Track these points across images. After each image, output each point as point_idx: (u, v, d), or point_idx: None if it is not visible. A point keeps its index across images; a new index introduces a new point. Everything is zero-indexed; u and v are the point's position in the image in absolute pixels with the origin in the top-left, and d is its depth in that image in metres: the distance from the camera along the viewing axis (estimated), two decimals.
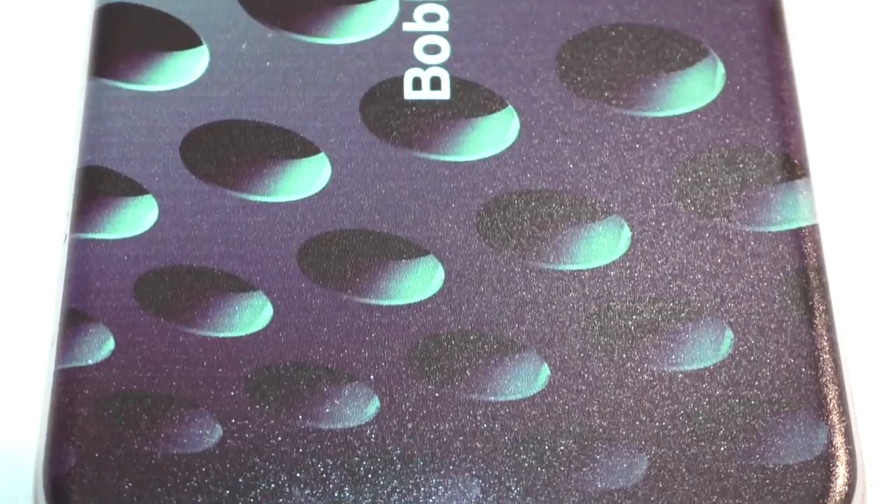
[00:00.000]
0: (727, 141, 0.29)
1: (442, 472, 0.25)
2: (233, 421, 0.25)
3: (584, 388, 0.26)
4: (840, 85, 0.32)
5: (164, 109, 0.28)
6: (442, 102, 0.29)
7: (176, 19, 0.29)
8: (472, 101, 0.29)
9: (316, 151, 0.28)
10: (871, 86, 0.32)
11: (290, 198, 0.28)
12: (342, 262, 0.27)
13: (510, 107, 0.29)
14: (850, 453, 0.25)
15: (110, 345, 0.26)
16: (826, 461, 0.25)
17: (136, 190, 0.28)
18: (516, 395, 0.26)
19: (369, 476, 0.25)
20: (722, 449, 0.25)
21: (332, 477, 0.25)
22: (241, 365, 0.26)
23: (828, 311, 0.27)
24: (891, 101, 0.31)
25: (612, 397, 0.26)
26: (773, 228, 0.28)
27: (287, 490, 0.25)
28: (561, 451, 0.25)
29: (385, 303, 0.27)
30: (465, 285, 0.27)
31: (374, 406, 0.26)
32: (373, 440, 0.25)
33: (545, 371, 0.26)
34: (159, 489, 0.25)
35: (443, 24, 0.30)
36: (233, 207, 0.28)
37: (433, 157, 0.28)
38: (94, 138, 0.28)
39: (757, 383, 0.26)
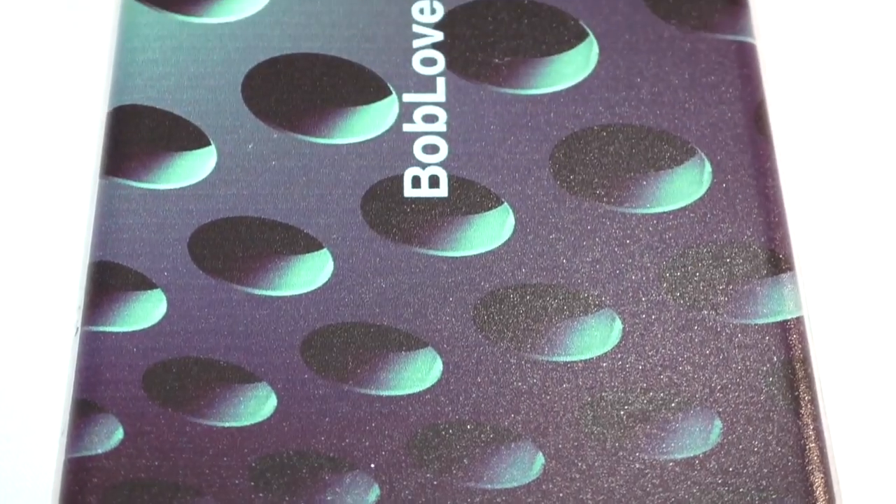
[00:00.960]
0: (714, 237, 0.29)
1: None
2: None
3: (577, 476, 0.27)
4: (825, 180, 0.32)
5: (174, 207, 0.29)
6: (440, 200, 0.30)
7: (185, 120, 0.30)
8: (469, 198, 0.30)
9: (319, 247, 0.29)
10: (853, 181, 0.33)
11: (293, 292, 0.29)
12: (344, 353, 0.28)
13: (506, 204, 0.30)
14: None
15: (119, 434, 0.27)
16: None
17: (146, 284, 0.29)
18: (512, 484, 0.27)
19: None
20: None
21: None
22: (246, 454, 0.27)
23: (813, 401, 0.28)
24: (871, 197, 0.32)
25: (606, 485, 0.27)
26: (760, 321, 0.29)
27: None
28: None
29: (385, 393, 0.28)
30: (463, 376, 0.28)
31: (374, 494, 0.26)
32: None
33: (540, 460, 0.27)
34: None
35: (441, 125, 0.31)
36: (239, 301, 0.28)
37: (432, 252, 0.29)
38: (106, 234, 0.29)
39: (745, 471, 0.27)
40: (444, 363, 0.28)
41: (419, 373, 0.28)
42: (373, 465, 0.27)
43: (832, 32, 0.34)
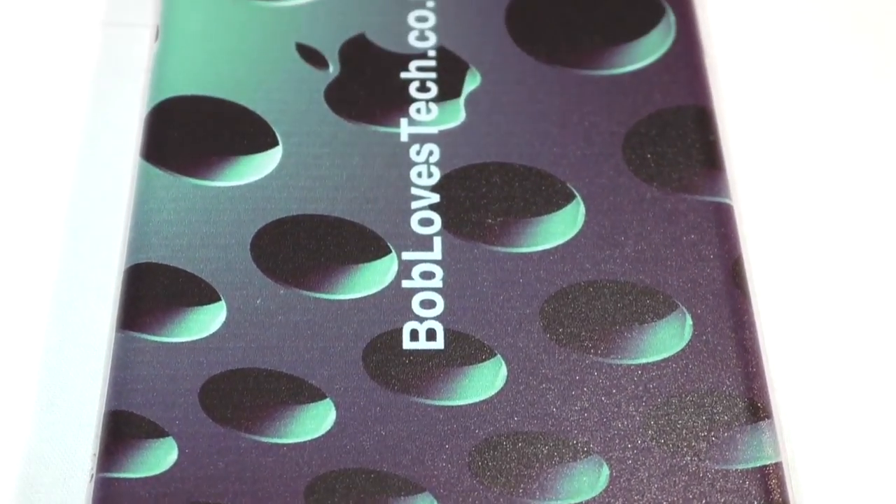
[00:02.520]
0: (696, 386, 0.31)
1: None
2: None
3: None
4: (800, 331, 0.34)
5: (185, 359, 0.31)
6: (437, 352, 0.31)
7: (197, 278, 0.32)
8: (464, 350, 0.31)
9: (322, 397, 0.30)
10: (828, 332, 0.34)
11: (298, 440, 0.30)
12: (346, 499, 0.29)
13: (499, 356, 0.31)
14: None
15: None
16: None
17: (158, 433, 0.30)
18: None
19: None
20: None
21: None
22: None
23: None
24: (847, 347, 0.34)
25: None
26: (740, 466, 0.30)
27: None
28: None
29: None
30: None
31: None
32: None
33: None
34: None
35: (437, 282, 0.32)
36: (246, 448, 0.30)
37: (429, 402, 0.30)
38: (121, 385, 0.30)
39: None
40: None
41: None
42: None
43: (803, 194, 0.36)
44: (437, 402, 0.30)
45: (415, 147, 0.34)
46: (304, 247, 0.32)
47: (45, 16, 0.38)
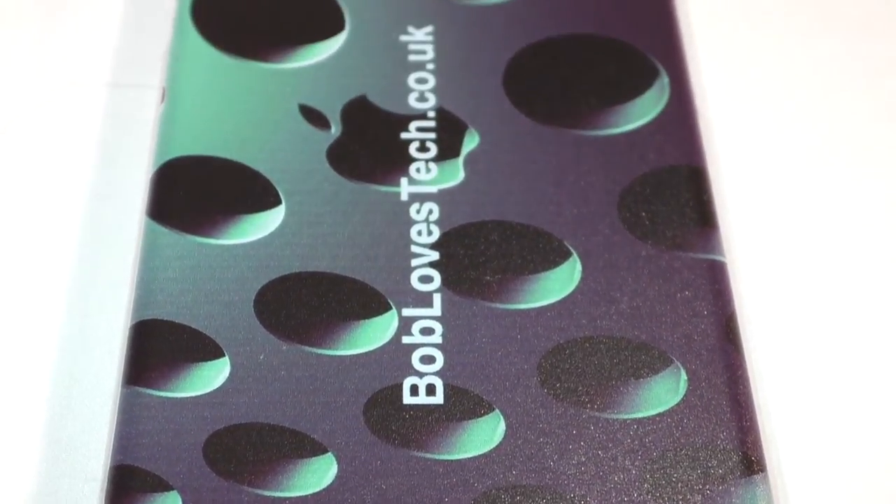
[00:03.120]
0: (691, 440, 0.31)
1: None
2: None
3: None
4: (793, 386, 0.34)
5: (190, 414, 0.31)
6: (436, 407, 0.32)
7: (201, 333, 0.32)
8: (463, 405, 0.32)
9: (324, 451, 0.31)
10: (820, 388, 0.34)
11: (300, 493, 0.30)
12: None
13: (497, 411, 0.32)
14: None
15: None
16: None
17: (163, 486, 0.30)
18: None
19: None
20: None
21: None
22: None
23: None
24: (839, 404, 0.34)
25: None
26: None
27: None
28: None
29: None
30: None
31: None
32: None
33: None
34: None
35: (437, 338, 0.33)
36: (249, 501, 0.30)
37: (429, 455, 0.31)
38: (127, 439, 0.31)
39: None
40: None
41: None
42: None
43: (795, 252, 0.37)
44: (436, 457, 0.31)
45: (415, 206, 0.35)
46: (307, 303, 0.33)
47: (53, 76, 0.39)
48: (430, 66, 0.37)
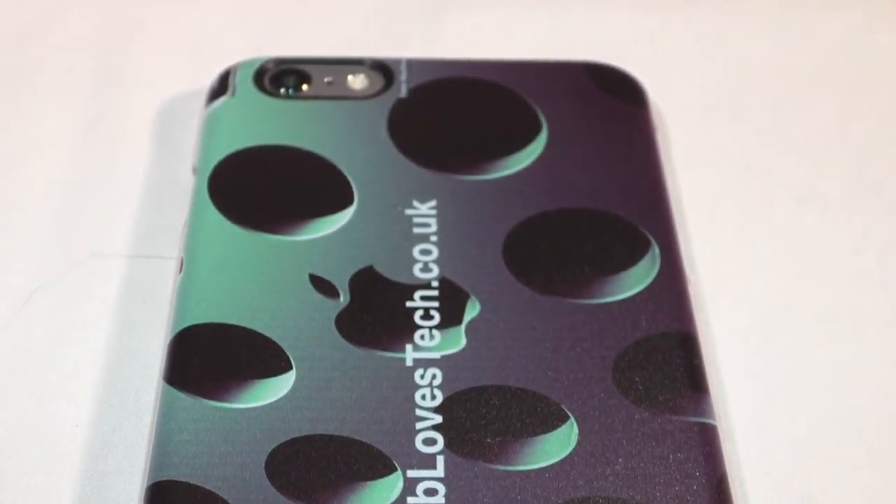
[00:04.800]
0: None
1: None
2: None
3: None
4: None
5: None
6: None
7: (215, 494, 0.33)
8: None
9: None
10: None
11: None
12: None
13: None
14: None
15: None
16: None
17: None
18: None
19: None
20: None
21: None
22: None
23: None
24: None
25: None
26: None
27: None
28: None
29: None
30: None
31: None
32: None
33: None
34: None
35: (440, 498, 0.33)
36: None
37: None
38: None
39: None
40: None
41: None
42: None
43: (784, 414, 0.38)
44: None
45: (419, 371, 0.36)
46: (316, 465, 0.34)
47: (75, 248, 0.41)
48: (434, 238, 0.40)
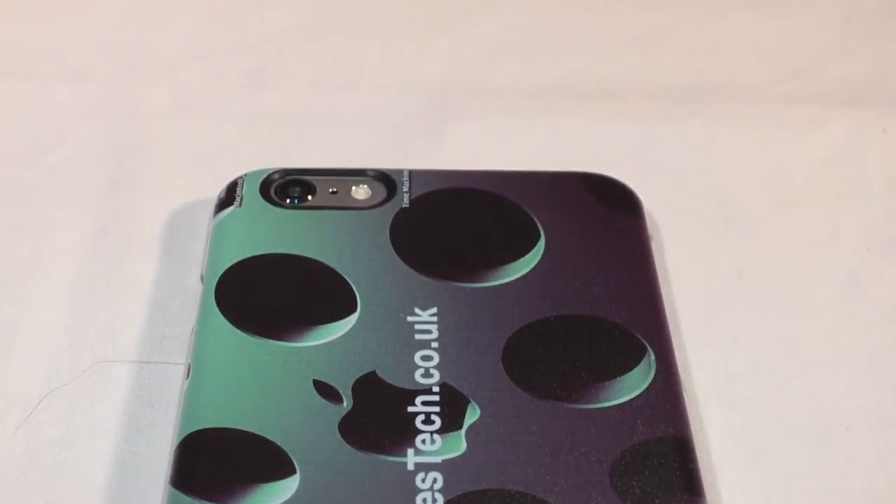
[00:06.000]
0: None
1: None
2: None
3: None
4: None
5: None
6: None
7: None
8: None
9: None
10: None
11: None
12: None
13: None
14: None
15: None
16: None
17: None
18: None
19: None
20: None
21: None
22: None
23: None
24: None
25: None
26: None
27: None
28: None
29: None
30: None
31: None
32: None
33: None
34: None
35: None
36: None
37: None
38: None
39: None
40: None
41: None
42: None
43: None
44: None
45: (420, 475, 0.37)
46: None
47: (84, 355, 0.42)
48: (435, 345, 0.41)
